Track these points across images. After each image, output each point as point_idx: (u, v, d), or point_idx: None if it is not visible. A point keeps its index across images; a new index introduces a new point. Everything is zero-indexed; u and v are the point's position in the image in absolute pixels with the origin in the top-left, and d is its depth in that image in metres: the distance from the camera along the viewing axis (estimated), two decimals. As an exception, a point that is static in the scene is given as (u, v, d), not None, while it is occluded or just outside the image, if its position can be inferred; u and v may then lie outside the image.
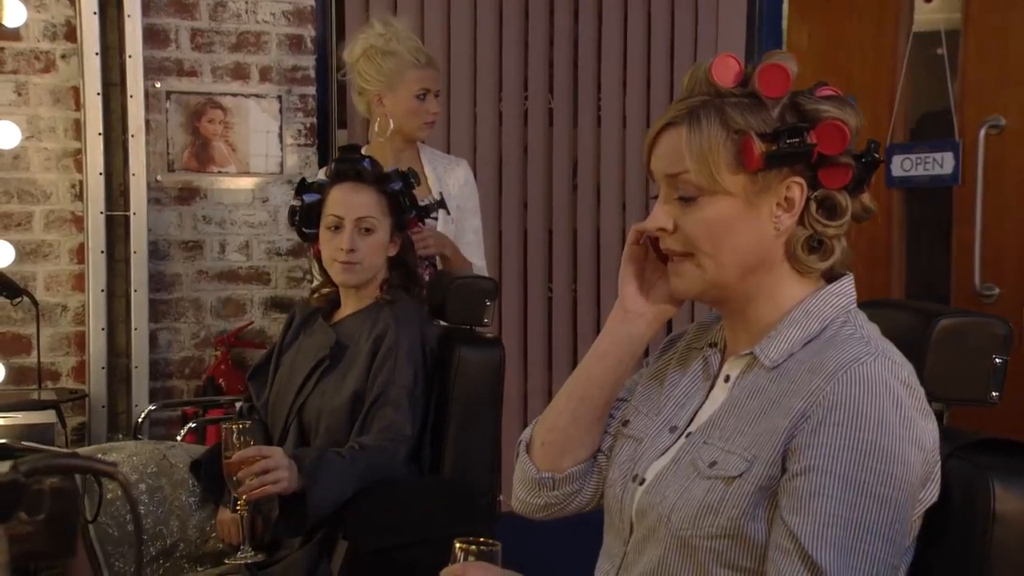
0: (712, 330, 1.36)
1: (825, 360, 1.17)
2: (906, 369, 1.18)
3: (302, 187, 2.30)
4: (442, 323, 2.38)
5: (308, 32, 3.25)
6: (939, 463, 1.19)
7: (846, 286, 1.26)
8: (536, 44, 3.50)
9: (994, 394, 1.31)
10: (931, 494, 1.18)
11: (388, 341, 2.14)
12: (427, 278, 2.61)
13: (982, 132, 2.91)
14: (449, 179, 2.75)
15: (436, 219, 2.66)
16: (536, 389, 3.59)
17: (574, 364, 3.61)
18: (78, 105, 3.04)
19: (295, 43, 3.24)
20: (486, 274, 2.72)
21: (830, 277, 1.27)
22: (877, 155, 1.23)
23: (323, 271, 2.29)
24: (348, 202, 2.19)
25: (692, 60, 3.58)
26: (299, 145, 3.25)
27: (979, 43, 3.12)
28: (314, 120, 3.28)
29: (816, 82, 1.26)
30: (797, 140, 1.18)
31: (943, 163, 3.07)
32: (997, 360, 1.30)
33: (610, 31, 3.54)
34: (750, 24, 3.62)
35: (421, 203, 2.64)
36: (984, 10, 3.09)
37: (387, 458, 2.08)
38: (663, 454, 1.29)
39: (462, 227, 2.73)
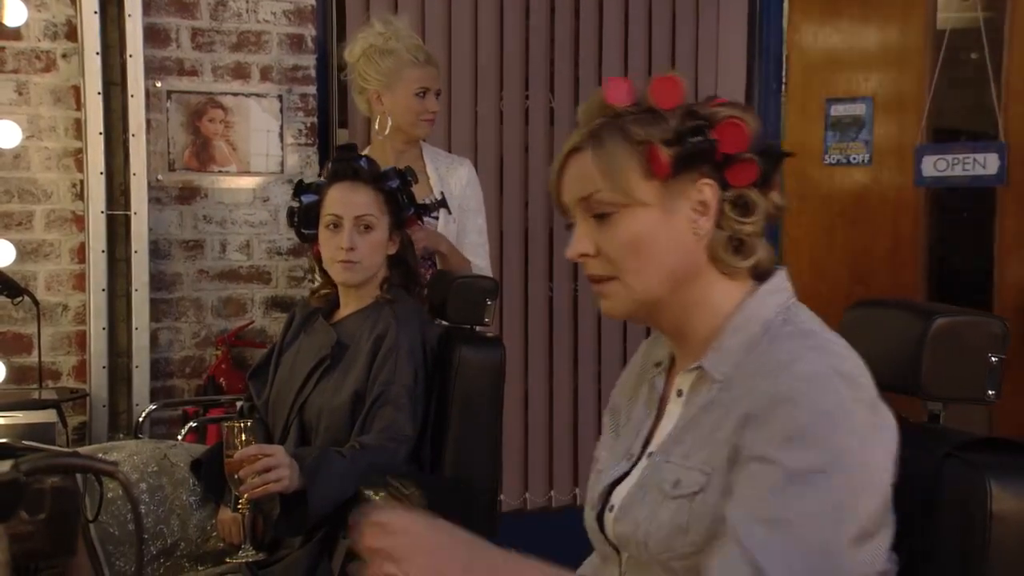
0: (658, 347, 1.36)
1: (766, 362, 1.17)
2: (849, 361, 1.16)
3: (300, 188, 2.30)
4: (443, 323, 2.38)
5: (309, 31, 3.25)
6: (892, 452, 1.15)
7: (780, 282, 1.25)
8: (537, 43, 3.50)
9: (991, 392, 1.31)
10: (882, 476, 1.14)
11: (389, 341, 2.14)
12: (427, 277, 2.61)
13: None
14: (451, 178, 2.74)
15: (437, 218, 2.66)
16: (537, 389, 3.59)
17: (575, 363, 3.62)
18: (79, 104, 3.04)
19: (296, 42, 3.24)
20: (488, 274, 2.72)
21: (760, 276, 1.26)
22: (779, 151, 1.25)
23: (323, 272, 2.30)
24: (346, 201, 2.19)
25: (693, 59, 3.58)
26: (300, 144, 3.25)
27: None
28: (315, 120, 3.27)
29: (708, 96, 1.28)
30: (700, 138, 1.20)
31: (986, 163, 3.06)
32: (993, 359, 1.31)
33: (611, 29, 3.54)
34: (751, 22, 3.63)
35: (422, 202, 2.65)
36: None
37: (388, 458, 2.08)
38: (625, 477, 1.29)
39: (464, 227, 2.73)
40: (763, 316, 1.22)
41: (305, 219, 2.26)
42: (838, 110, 3.49)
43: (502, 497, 3.51)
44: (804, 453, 1.09)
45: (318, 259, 2.29)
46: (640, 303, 1.25)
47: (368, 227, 2.19)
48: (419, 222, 2.38)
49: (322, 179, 2.29)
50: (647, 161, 1.20)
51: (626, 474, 1.29)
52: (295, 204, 2.28)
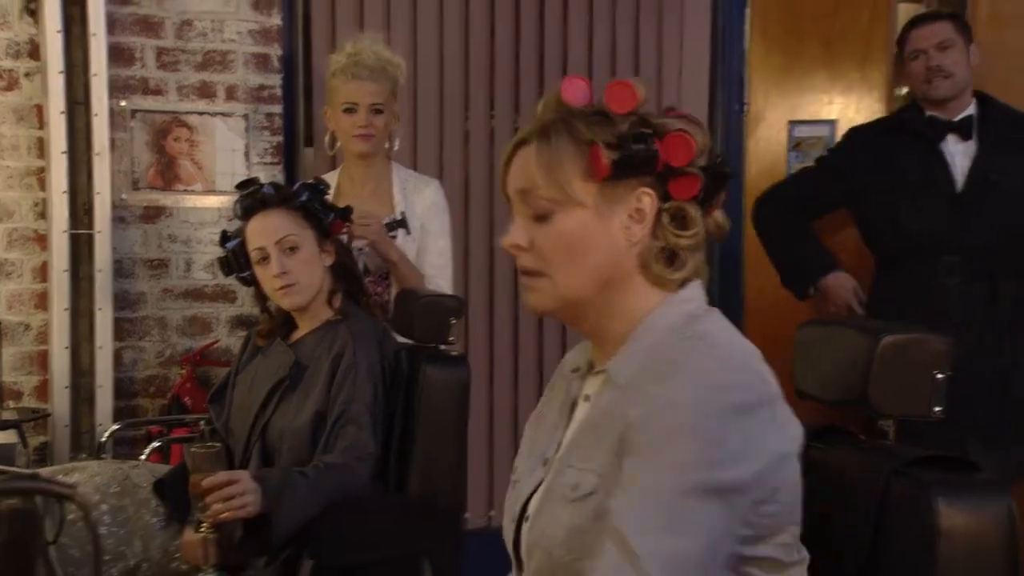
0: (579, 353, 1.38)
1: (658, 366, 1.18)
2: (737, 363, 1.17)
3: (224, 238, 2.31)
4: (404, 339, 2.39)
5: (275, 51, 3.25)
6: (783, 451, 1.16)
7: (691, 292, 1.26)
8: (502, 63, 3.52)
9: (936, 409, 1.34)
10: (784, 477, 1.16)
11: (347, 359, 2.15)
12: (387, 297, 2.62)
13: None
14: (416, 198, 2.75)
15: (395, 237, 2.67)
16: (502, 407, 3.60)
17: (540, 382, 3.63)
18: (42, 123, 3.02)
19: (261, 62, 3.24)
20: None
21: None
22: (725, 168, 1.26)
23: (266, 310, 2.32)
24: (263, 230, 2.20)
25: (657, 81, 3.62)
26: (265, 164, 3.24)
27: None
28: (280, 139, 3.27)
29: (667, 107, 1.29)
30: (642, 146, 1.20)
31: None
32: (939, 376, 1.33)
33: (575, 49, 3.56)
34: (713, 44, 3.67)
35: (384, 221, 2.66)
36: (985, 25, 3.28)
37: (352, 477, 2.08)
38: (538, 486, 1.30)
39: (425, 247, 2.73)
40: (668, 322, 1.23)
41: (238, 264, 2.27)
42: (801, 131, 3.54)
43: (467, 515, 3.51)
44: (686, 446, 1.10)
45: (262, 299, 2.30)
46: (565, 301, 1.26)
47: (293, 247, 2.19)
48: (347, 224, 2.36)
49: (239, 222, 2.29)
50: (589, 161, 1.21)
51: (542, 482, 1.30)
52: (224, 255, 2.30)
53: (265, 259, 2.20)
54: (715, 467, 1.10)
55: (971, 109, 2.91)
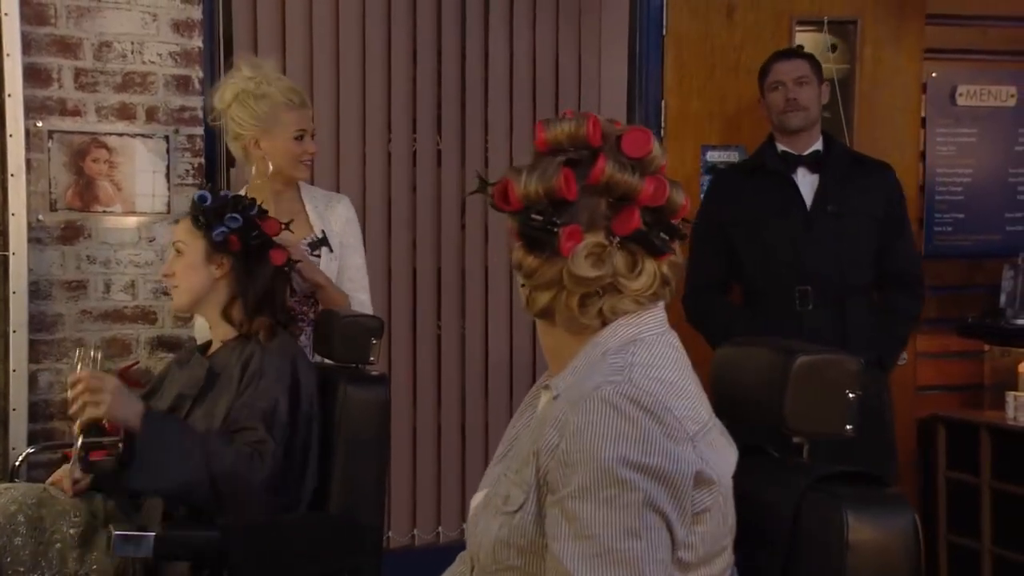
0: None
1: (578, 389, 1.23)
2: (650, 396, 1.19)
3: None
4: (327, 360, 2.41)
5: (196, 73, 3.25)
6: (696, 472, 1.21)
7: (642, 316, 1.30)
8: (424, 85, 3.56)
9: (848, 427, 1.39)
10: (702, 499, 1.21)
11: (254, 364, 2.21)
12: (312, 316, 2.64)
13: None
14: (331, 216, 2.76)
15: (319, 256, 2.69)
16: (425, 425, 3.63)
17: (463, 401, 3.67)
18: (-45, 144, 2.98)
19: (182, 84, 3.24)
20: (370, 308, 2.75)
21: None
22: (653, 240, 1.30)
23: None
24: (174, 232, 2.42)
25: (577, 100, 3.70)
26: (187, 185, 3.24)
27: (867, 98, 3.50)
28: (202, 160, 3.27)
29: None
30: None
31: None
32: (851, 395, 1.38)
33: (496, 73, 3.63)
34: (631, 68, 3.77)
35: (305, 241, 2.67)
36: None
37: (244, 462, 2.08)
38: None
39: (345, 263, 2.75)
40: (607, 345, 1.28)
41: None
42: (713, 155, 3.67)
43: (390, 534, 3.53)
44: (609, 480, 1.14)
45: None
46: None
47: (179, 252, 2.35)
48: (236, 240, 2.36)
49: None
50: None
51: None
52: None
53: None
54: (640, 492, 1.14)
55: (819, 145, 3.13)
